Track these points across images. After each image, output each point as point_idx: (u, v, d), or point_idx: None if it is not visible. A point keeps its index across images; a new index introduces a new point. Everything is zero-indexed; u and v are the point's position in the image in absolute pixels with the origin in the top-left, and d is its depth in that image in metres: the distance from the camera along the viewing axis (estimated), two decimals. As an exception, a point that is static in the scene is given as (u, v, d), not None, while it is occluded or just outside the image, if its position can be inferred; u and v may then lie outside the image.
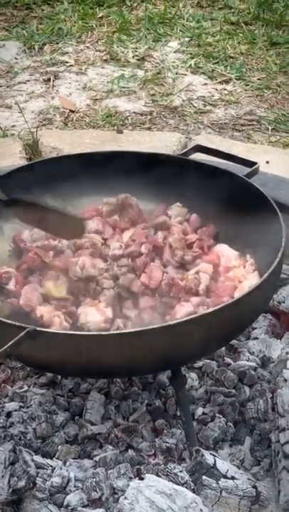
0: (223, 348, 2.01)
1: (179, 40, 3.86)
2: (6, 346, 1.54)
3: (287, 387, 1.78)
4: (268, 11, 4.05)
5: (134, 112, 3.33)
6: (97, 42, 3.89)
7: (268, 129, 3.21)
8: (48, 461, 1.75)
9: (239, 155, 2.16)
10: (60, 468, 1.72)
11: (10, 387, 1.98)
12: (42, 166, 2.15)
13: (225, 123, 3.26)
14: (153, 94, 3.45)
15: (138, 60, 3.72)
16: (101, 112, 3.31)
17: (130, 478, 1.70)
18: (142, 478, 1.65)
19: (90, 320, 1.87)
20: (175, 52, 3.78)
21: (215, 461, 1.70)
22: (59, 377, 1.97)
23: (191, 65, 3.65)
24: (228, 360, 2.00)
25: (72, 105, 3.38)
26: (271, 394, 1.87)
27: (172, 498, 1.59)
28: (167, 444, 1.79)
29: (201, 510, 1.59)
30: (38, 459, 1.74)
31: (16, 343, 1.55)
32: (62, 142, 2.88)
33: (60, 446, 1.81)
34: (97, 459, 1.77)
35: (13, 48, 3.84)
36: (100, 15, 4.07)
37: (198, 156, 2.17)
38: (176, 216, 2.09)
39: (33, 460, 1.72)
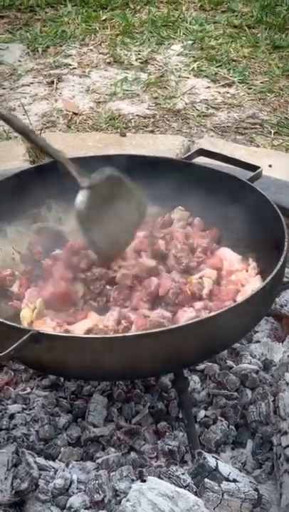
0: (226, 351, 2.02)
1: (182, 43, 3.87)
2: (10, 349, 1.55)
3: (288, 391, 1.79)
4: (271, 15, 4.06)
5: (137, 115, 3.33)
6: (100, 45, 3.90)
7: (271, 132, 3.21)
8: (51, 463, 1.76)
9: (242, 158, 2.17)
10: (63, 470, 1.73)
11: (13, 390, 1.98)
12: (44, 170, 2.15)
13: (228, 126, 3.26)
14: (156, 97, 3.46)
15: (141, 63, 3.73)
16: (104, 115, 3.31)
17: (132, 480, 1.70)
18: (144, 481, 1.65)
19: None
20: (178, 55, 3.79)
21: (217, 463, 1.70)
22: (62, 379, 1.98)
23: (194, 68, 3.66)
24: (230, 363, 2.01)
25: (76, 108, 3.39)
26: (273, 397, 1.87)
27: (174, 501, 1.59)
28: (169, 447, 1.80)
29: (202, 512, 1.60)
30: (41, 460, 1.75)
31: (19, 345, 1.56)
32: (65, 145, 2.89)
33: (62, 448, 1.82)
34: (99, 461, 1.78)
35: (16, 51, 3.85)
36: (104, 18, 4.08)
37: (202, 160, 2.18)
38: (178, 220, 2.10)
39: (35, 462, 1.72)
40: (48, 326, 1.82)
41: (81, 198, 1.85)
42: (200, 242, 2.01)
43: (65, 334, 1.75)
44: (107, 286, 1.95)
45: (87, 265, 1.97)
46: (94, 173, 1.87)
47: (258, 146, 3.10)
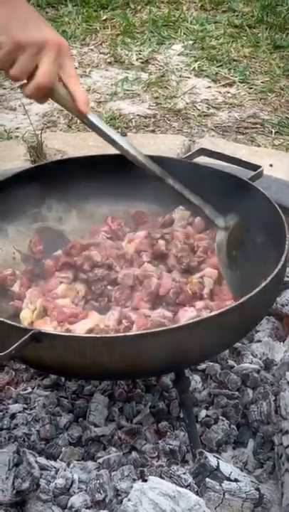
0: (227, 351, 2.02)
1: (183, 43, 3.87)
2: (11, 348, 1.54)
3: (290, 390, 1.79)
4: (272, 14, 4.07)
5: (138, 115, 3.34)
6: (101, 44, 3.90)
7: (272, 132, 3.22)
8: (52, 462, 1.76)
9: (243, 158, 2.17)
10: (64, 470, 1.73)
11: (14, 389, 1.98)
12: (45, 169, 2.15)
13: (228, 126, 3.26)
14: (157, 97, 3.46)
15: (142, 62, 3.74)
16: (105, 115, 3.31)
17: (134, 480, 1.70)
18: (145, 480, 1.65)
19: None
20: (179, 55, 3.79)
21: (218, 463, 1.70)
22: (63, 379, 1.98)
23: (194, 68, 3.67)
24: (231, 362, 2.01)
25: (77, 107, 3.38)
26: (274, 396, 1.87)
27: (176, 500, 1.59)
28: (170, 446, 1.80)
29: (204, 512, 1.60)
30: (42, 460, 1.75)
31: (20, 345, 1.56)
32: (66, 145, 2.89)
33: (63, 448, 1.82)
34: (100, 460, 1.77)
35: (17, 50, 3.85)
36: (104, 17, 4.09)
37: (202, 159, 2.17)
38: (179, 220, 2.10)
39: (36, 462, 1.72)
40: (49, 326, 1.82)
41: (221, 236, 1.91)
42: (201, 242, 2.01)
43: (66, 333, 1.75)
44: (109, 287, 1.95)
45: (90, 267, 1.97)
46: (227, 216, 1.93)
47: (258, 145, 3.10)
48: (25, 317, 1.88)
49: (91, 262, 1.97)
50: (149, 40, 3.89)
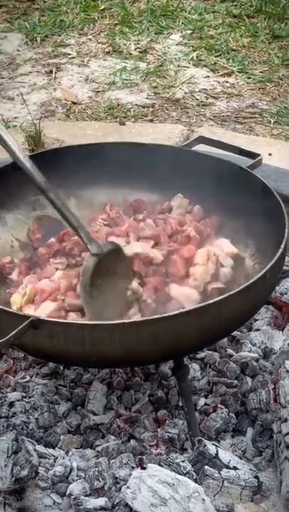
0: (226, 339, 2.02)
1: (181, 32, 3.86)
2: (10, 335, 1.54)
3: (289, 378, 1.79)
4: (271, 4, 4.05)
5: (136, 104, 3.32)
6: (99, 34, 3.89)
7: (270, 121, 3.21)
8: (51, 450, 1.76)
9: (241, 147, 2.16)
10: (63, 458, 1.73)
11: (12, 378, 1.98)
12: (43, 158, 2.14)
13: (227, 115, 3.25)
14: (155, 87, 3.45)
15: (140, 52, 3.72)
16: (103, 104, 3.31)
17: (132, 467, 1.70)
18: (144, 468, 1.65)
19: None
20: (177, 44, 3.78)
21: (217, 451, 1.71)
22: (61, 367, 1.98)
23: (193, 57, 3.65)
24: (230, 351, 2.00)
25: (74, 97, 3.38)
26: (273, 385, 1.87)
27: (174, 488, 1.59)
28: (169, 434, 1.80)
29: (203, 499, 1.60)
30: (41, 448, 1.75)
31: (19, 332, 1.55)
32: (64, 134, 2.88)
33: (62, 436, 1.81)
34: (99, 448, 1.78)
35: (15, 40, 3.84)
36: (102, 7, 4.07)
37: (201, 148, 2.17)
38: (177, 207, 2.09)
39: (35, 450, 1.72)
40: (48, 309, 1.81)
41: (89, 262, 1.84)
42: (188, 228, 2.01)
43: (64, 321, 1.75)
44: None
45: (80, 251, 1.96)
46: (102, 244, 1.87)
47: (257, 135, 3.09)
48: (16, 301, 1.87)
49: (80, 246, 1.96)
50: (148, 29, 3.88)
